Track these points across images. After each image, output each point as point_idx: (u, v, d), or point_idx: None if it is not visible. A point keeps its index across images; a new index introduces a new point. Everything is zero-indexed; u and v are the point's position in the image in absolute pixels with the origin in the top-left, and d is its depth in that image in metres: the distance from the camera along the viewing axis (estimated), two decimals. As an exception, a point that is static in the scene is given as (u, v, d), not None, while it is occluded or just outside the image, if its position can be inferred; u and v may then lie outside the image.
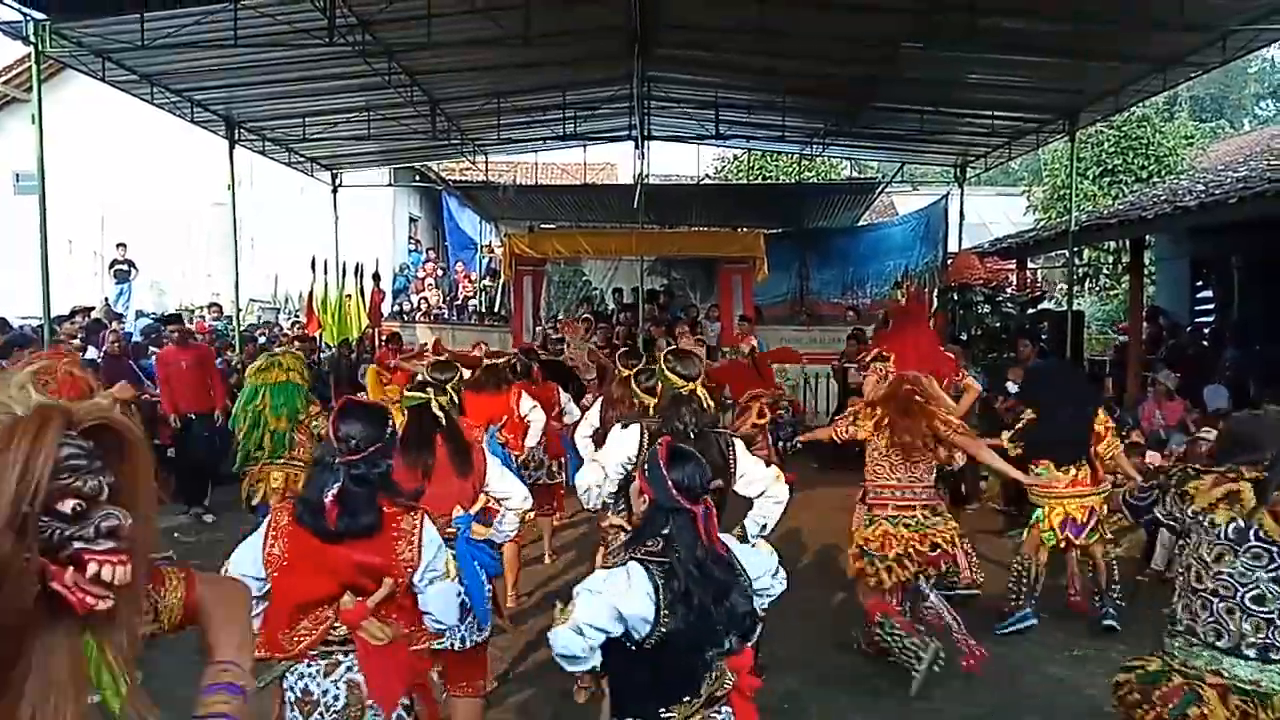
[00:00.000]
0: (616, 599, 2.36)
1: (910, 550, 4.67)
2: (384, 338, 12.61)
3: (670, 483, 2.50)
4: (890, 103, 12.06)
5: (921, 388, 4.91)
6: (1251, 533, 2.56)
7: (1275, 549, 2.53)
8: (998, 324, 11.49)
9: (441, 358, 5.77)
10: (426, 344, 11.16)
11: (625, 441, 3.84)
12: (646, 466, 2.58)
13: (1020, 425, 5.53)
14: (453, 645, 3.50)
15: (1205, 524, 2.63)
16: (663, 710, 2.39)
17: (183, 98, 10.80)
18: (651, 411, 4.10)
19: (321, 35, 8.44)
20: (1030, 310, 12.46)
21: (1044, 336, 12.18)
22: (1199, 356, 11.78)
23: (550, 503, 6.80)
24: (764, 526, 3.74)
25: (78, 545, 1.12)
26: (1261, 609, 2.51)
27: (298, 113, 12.14)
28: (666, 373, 3.91)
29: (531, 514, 5.57)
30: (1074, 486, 5.45)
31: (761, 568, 2.61)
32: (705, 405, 3.86)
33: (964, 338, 11.08)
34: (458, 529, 3.55)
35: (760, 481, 3.77)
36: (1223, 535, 2.59)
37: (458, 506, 3.61)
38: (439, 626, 2.85)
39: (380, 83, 10.49)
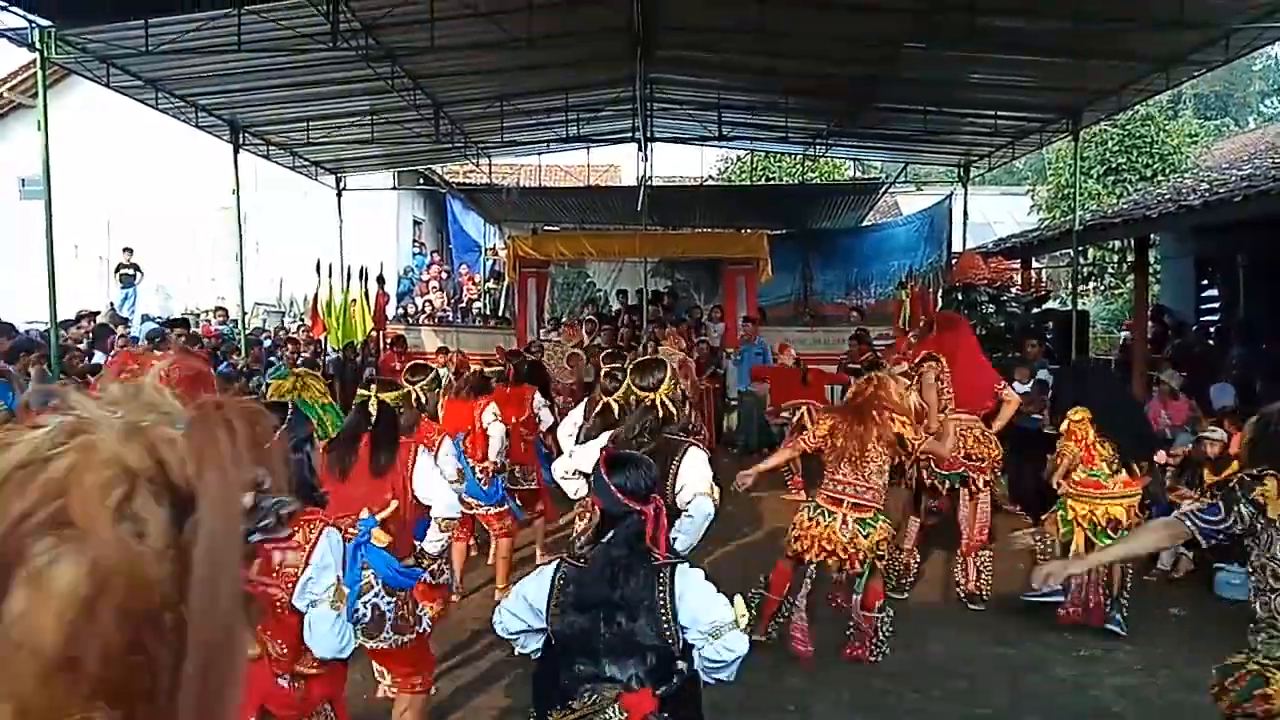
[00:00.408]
0: (526, 589, 2.57)
1: (816, 542, 4.99)
2: (389, 340, 12.67)
3: (613, 488, 2.56)
4: (893, 103, 12.05)
5: (883, 394, 5.03)
6: None
7: None
8: (1002, 324, 11.45)
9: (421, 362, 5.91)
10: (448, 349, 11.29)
11: (594, 451, 3.89)
12: (593, 479, 2.69)
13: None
14: (390, 645, 3.54)
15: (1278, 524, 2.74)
16: (536, 713, 2.52)
17: (187, 103, 10.84)
18: (615, 416, 4.23)
19: (325, 40, 8.47)
20: (1035, 310, 12.42)
21: (1049, 336, 12.17)
22: (1204, 355, 11.75)
23: (532, 506, 6.78)
24: (685, 545, 3.53)
25: (257, 537, 1.04)
26: None
27: (302, 117, 12.18)
28: (630, 383, 4.04)
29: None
30: (1125, 487, 5.53)
31: (708, 617, 2.44)
32: (664, 414, 3.93)
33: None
34: (358, 531, 3.40)
35: (689, 491, 3.71)
36: None
37: (365, 509, 3.47)
38: (318, 654, 2.65)
39: (384, 86, 10.52)
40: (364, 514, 3.45)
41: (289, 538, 2.50)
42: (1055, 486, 5.71)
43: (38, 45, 8.31)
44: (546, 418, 7.09)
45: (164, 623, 0.67)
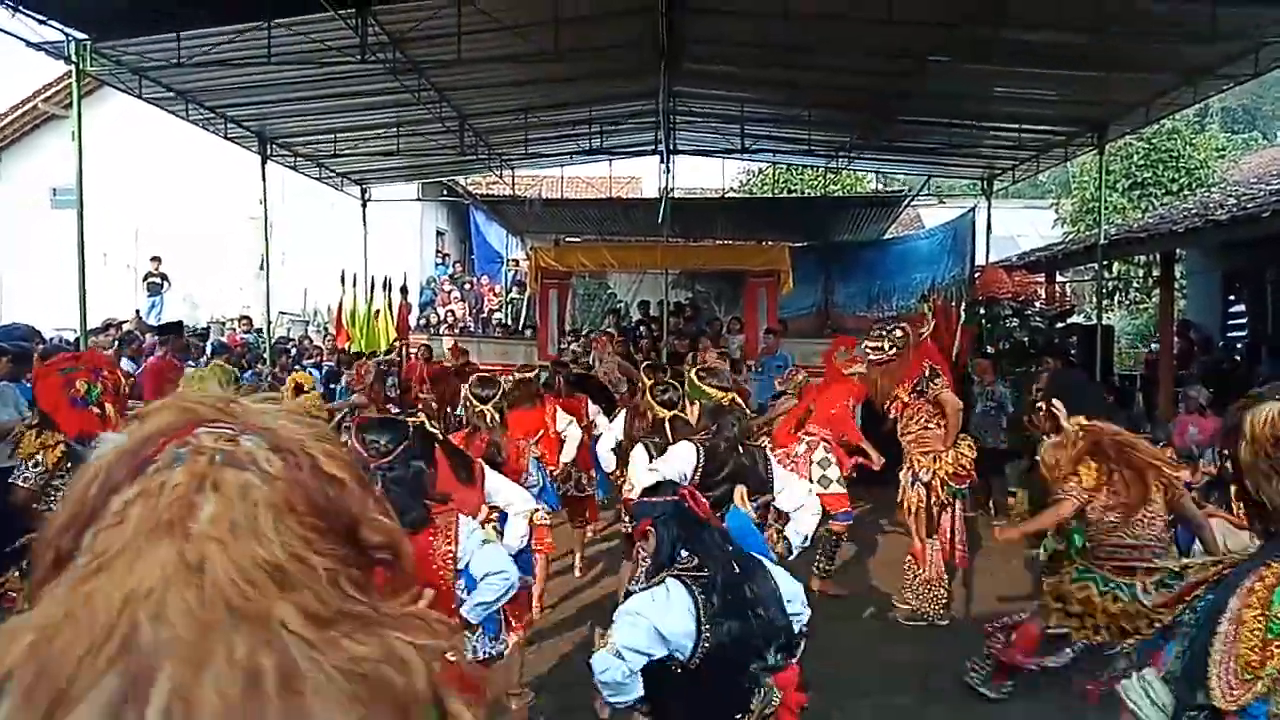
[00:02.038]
0: (657, 618, 2.33)
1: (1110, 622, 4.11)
2: (414, 350, 12.74)
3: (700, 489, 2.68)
4: (916, 116, 12.04)
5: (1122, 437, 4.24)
6: None
7: None
8: (1026, 338, 11.39)
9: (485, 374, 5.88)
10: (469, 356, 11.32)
11: (683, 456, 3.81)
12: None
13: None
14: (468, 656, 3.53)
15: None
16: None
17: (217, 114, 11.00)
18: (667, 426, 4.20)
19: (353, 53, 8.58)
20: (1059, 324, 12.35)
21: (1073, 351, 12.08)
22: (1232, 372, 11.62)
23: (581, 515, 6.81)
24: (805, 538, 3.78)
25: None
26: None
27: (329, 129, 12.33)
28: (701, 385, 3.95)
29: (545, 520, 5.67)
30: None
31: (793, 589, 2.62)
32: (745, 414, 3.98)
33: (991, 351, 11.01)
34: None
35: (796, 495, 3.80)
36: None
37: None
38: (486, 596, 2.86)
39: (410, 99, 10.64)
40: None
41: (431, 528, 2.79)
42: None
43: (73, 58, 8.48)
44: (604, 424, 7.05)
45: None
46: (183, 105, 10.40)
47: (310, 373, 10.35)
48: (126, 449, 0.76)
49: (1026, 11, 7.93)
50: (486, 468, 3.87)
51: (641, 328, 14.70)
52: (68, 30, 8.28)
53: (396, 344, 12.99)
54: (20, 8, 7.46)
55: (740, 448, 3.79)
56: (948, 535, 5.97)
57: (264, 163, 12.20)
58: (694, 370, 4.18)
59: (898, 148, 14.19)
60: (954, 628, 5.89)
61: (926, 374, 5.80)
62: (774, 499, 3.78)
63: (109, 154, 15.18)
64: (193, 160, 15.81)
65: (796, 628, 2.59)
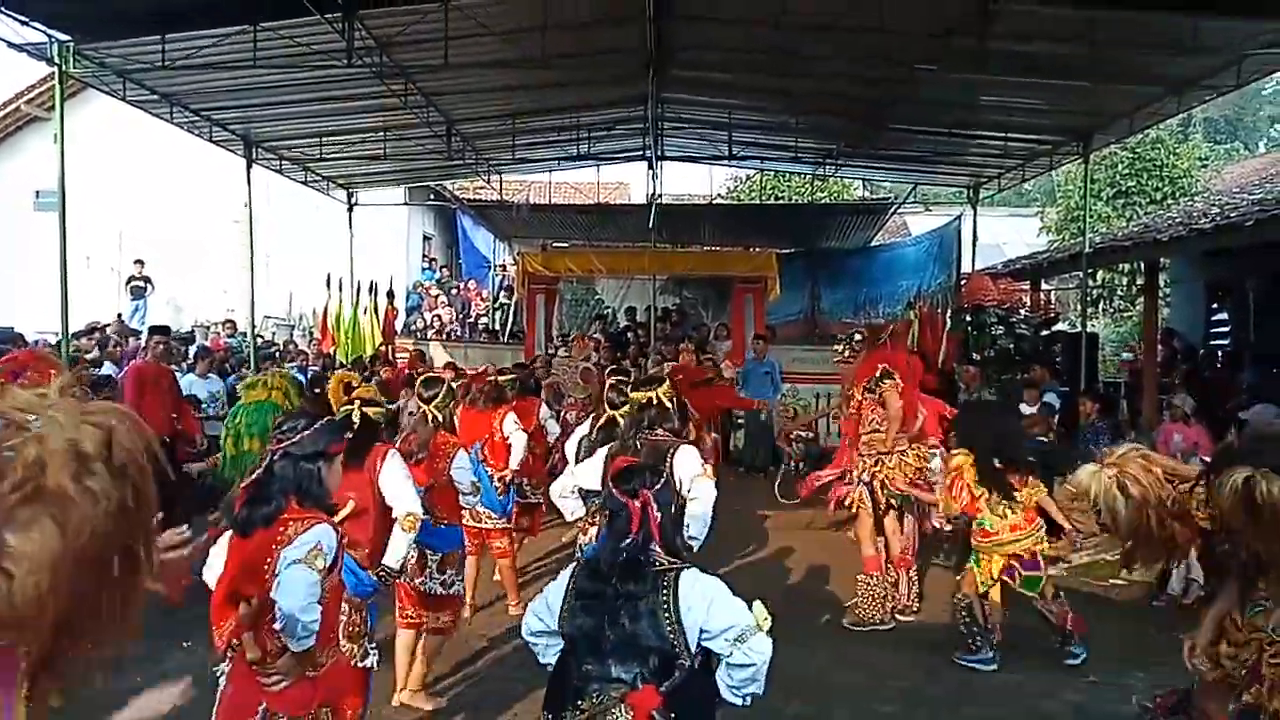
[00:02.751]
0: (549, 590, 2.61)
1: None
2: (400, 355, 12.69)
3: (610, 486, 2.66)
4: (903, 124, 12.08)
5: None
6: None
7: None
8: (1011, 345, 11.46)
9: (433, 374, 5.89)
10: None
11: (594, 464, 4.02)
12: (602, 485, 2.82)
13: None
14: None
15: None
16: (549, 713, 2.54)
17: (201, 117, 10.92)
18: (620, 428, 4.32)
19: (339, 57, 8.53)
20: (1044, 332, 12.42)
21: (1058, 358, 12.14)
22: (1215, 380, 11.70)
23: (526, 520, 6.73)
24: (699, 530, 3.75)
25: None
26: None
27: (315, 133, 12.26)
28: (623, 395, 4.23)
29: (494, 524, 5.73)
30: (1013, 531, 5.19)
31: (727, 620, 2.43)
32: (659, 410, 4.09)
33: (978, 358, 11.06)
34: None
35: (686, 479, 3.76)
36: None
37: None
38: (282, 619, 2.61)
39: (397, 103, 10.59)
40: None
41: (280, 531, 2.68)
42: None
43: (56, 60, 8.40)
44: (553, 429, 7.07)
45: (109, 564, 1.00)
46: (167, 108, 10.32)
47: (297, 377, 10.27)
48: None
49: (1014, 22, 7.97)
50: (390, 461, 3.74)
51: (629, 334, 14.69)
52: (50, 32, 8.20)
53: (382, 349, 12.93)
54: (2, 9, 7.39)
55: (640, 444, 3.92)
56: (895, 538, 6.04)
57: (249, 166, 12.11)
58: (612, 380, 4.36)
59: (885, 155, 14.24)
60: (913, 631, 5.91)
61: (878, 374, 5.90)
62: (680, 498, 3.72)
63: (92, 157, 15.07)
64: (177, 163, 15.68)
65: (732, 673, 2.45)
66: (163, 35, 8.37)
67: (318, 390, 11.25)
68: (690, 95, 12.58)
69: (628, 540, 2.49)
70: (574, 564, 2.72)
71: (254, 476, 2.77)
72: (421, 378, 5.19)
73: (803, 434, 10.52)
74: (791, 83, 11.04)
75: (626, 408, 4.38)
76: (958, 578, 5.66)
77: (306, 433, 2.82)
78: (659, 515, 2.55)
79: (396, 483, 3.69)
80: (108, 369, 10.11)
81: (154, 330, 8.54)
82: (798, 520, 8.19)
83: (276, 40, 8.51)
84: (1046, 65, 9.05)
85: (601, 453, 4.09)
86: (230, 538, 2.79)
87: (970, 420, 5.94)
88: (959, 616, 5.31)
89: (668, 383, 4.28)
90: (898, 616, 6.01)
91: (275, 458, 2.78)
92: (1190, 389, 9.87)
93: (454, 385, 5.27)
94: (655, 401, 4.12)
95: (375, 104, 10.91)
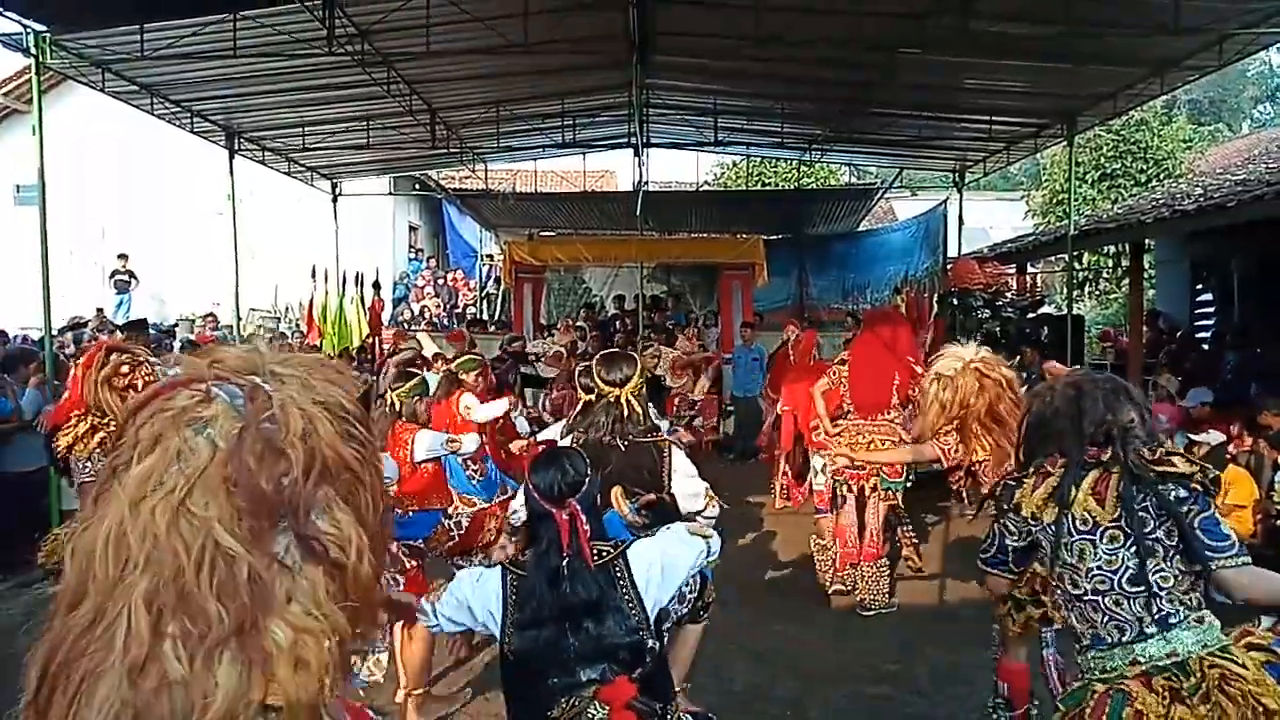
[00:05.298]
0: (464, 592, 2.46)
1: None
2: (388, 346, 12.62)
3: (530, 488, 2.46)
4: (888, 108, 12.08)
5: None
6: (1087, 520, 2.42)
7: (1111, 526, 2.38)
8: (997, 328, 11.51)
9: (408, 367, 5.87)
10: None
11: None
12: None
13: None
14: None
15: (1050, 528, 2.46)
16: None
17: (182, 108, 10.82)
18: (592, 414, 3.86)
19: (320, 45, 8.46)
20: (1030, 315, 12.49)
21: (1044, 341, 12.20)
22: (1199, 360, 11.78)
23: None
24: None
25: None
26: (1139, 587, 2.35)
27: (297, 122, 12.17)
28: (595, 377, 3.79)
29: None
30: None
31: (683, 573, 2.51)
32: (628, 413, 3.68)
33: (963, 342, 11.10)
34: None
35: (694, 499, 3.62)
36: (1073, 531, 2.42)
37: None
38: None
39: (379, 92, 10.52)
40: None
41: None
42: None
43: (33, 50, 8.28)
44: (523, 426, 6.91)
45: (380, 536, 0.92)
46: (147, 99, 10.22)
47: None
48: (142, 396, 0.87)
49: (995, 3, 7.97)
50: None
51: (616, 321, 14.68)
52: (26, 21, 8.09)
53: (369, 340, 12.88)
54: (-24, 0, 7.29)
55: (622, 443, 3.60)
56: (853, 527, 5.95)
57: (231, 157, 12.02)
58: (595, 359, 4.01)
59: (870, 140, 14.25)
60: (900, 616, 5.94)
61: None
62: (664, 492, 3.55)
63: (73, 149, 14.94)
64: (159, 156, 15.58)
65: (661, 639, 2.45)
66: (141, 25, 8.27)
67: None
68: (675, 81, 12.54)
69: (563, 556, 2.36)
70: (499, 568, 2.49)
71: None
72: (394, 370, 5.17)
73: None
74: (774, 67, 11.01)
75: (596, 394, 3.99)
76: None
77: None
78: (588, 528, 2.40)
79: None
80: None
81: (131, 325, 8.49)
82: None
83: (257, 29, 8.43)
84: (1029, 47, 9.05)
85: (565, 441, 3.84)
86: None
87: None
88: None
89: (637, 378, 3.82)
90: (862, 613, 5.88)
91: None
92: (1175, 369, 9.95)
93: (428, 378, 5.21)
94: (623, 400, 3.73)
95: (358, 92, 10.83)
